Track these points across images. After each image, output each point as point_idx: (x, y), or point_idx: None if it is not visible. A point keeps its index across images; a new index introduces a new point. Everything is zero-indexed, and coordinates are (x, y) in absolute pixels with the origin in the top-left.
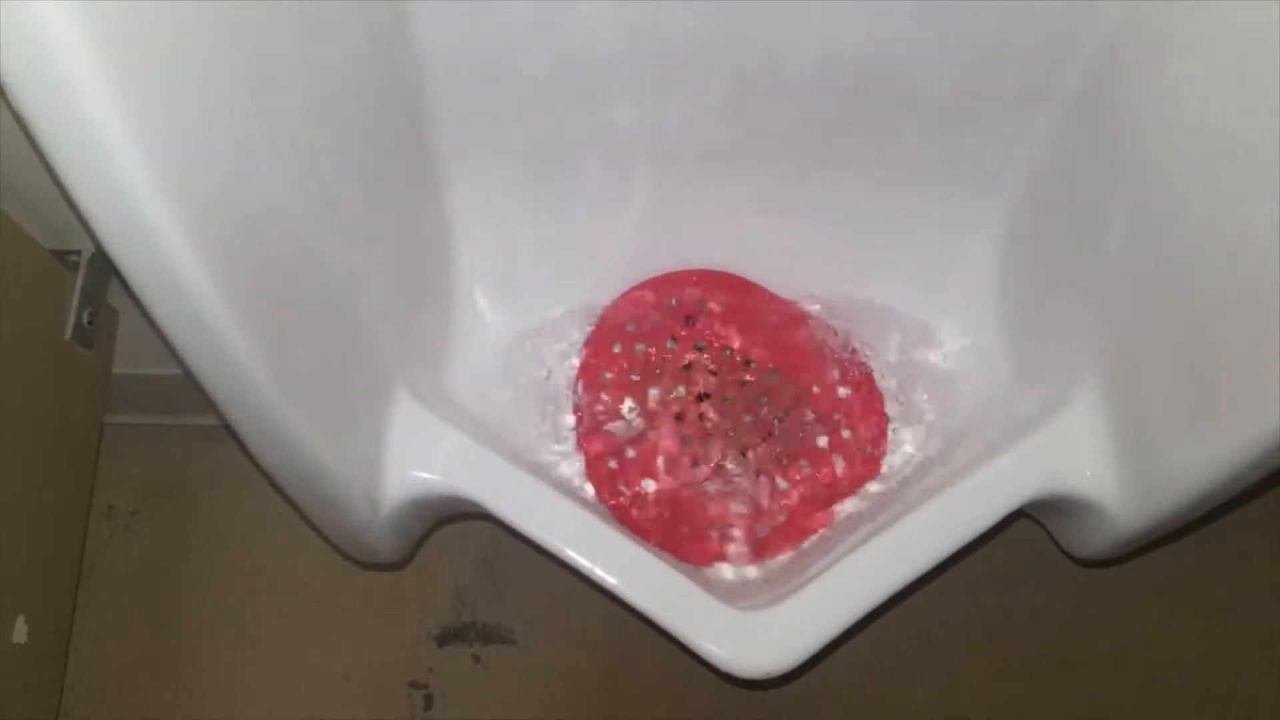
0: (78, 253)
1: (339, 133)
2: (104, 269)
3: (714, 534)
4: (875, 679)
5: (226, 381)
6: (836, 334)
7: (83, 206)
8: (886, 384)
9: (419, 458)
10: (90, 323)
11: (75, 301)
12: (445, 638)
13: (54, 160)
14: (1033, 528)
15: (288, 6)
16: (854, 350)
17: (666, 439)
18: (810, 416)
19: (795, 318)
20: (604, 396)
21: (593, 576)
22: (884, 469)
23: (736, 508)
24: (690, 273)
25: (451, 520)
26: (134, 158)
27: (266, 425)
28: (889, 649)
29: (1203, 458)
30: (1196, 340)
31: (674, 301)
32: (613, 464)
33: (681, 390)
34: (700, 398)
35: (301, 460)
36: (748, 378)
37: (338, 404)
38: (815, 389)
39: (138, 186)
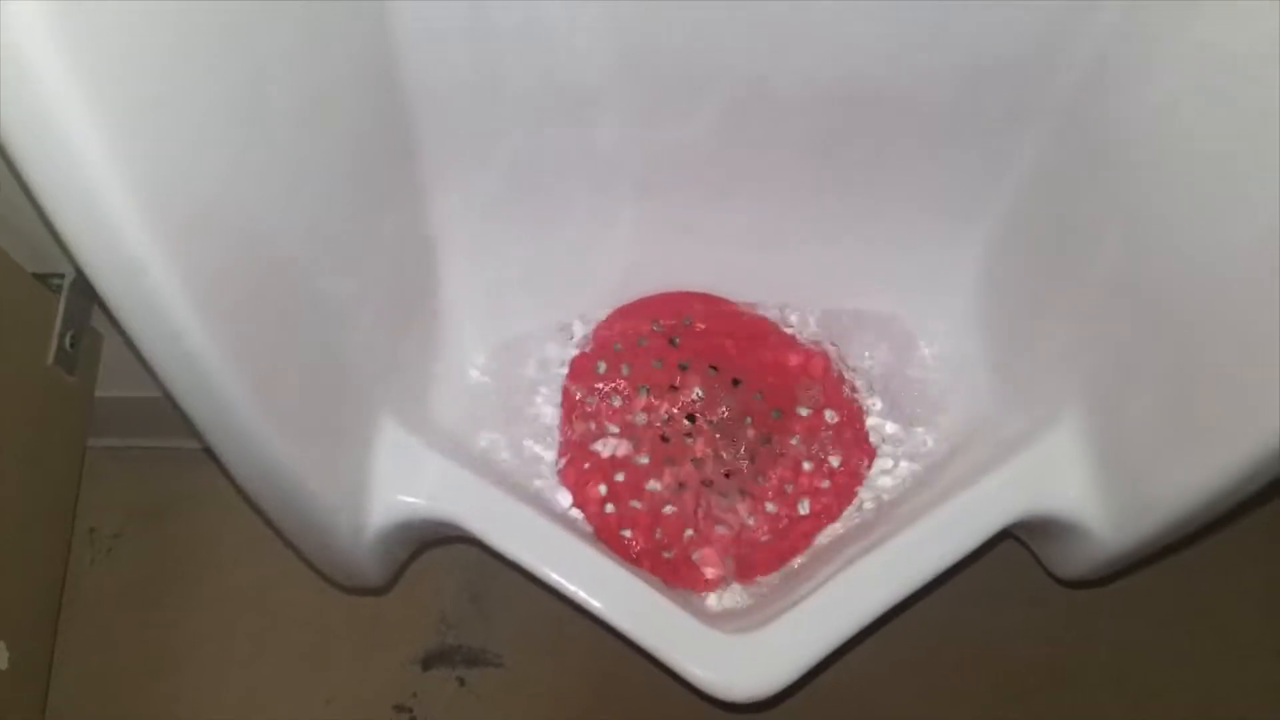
0: (60, 276)
1: (327, 157)
2: (87, 293)
3: (699, 556)
4: (865, 701)
5: (208, 406)
6: (822, 354)
7: (63, 231)
8: (873, 404)
9: (403, 482)
10: (73, 346)
11: (58, 325)
12: (430, 660)
13: (35, 187)
14: (1021, 547)
15: (275, 28)
16: (840, 371)
17: (652, 461)
18: (796, 438)
19: (781, 339)
20: (589, 419)
21: (577, 600)
22: (869, 490)
23: (722, 530)
24: (676, 294)
25: (436, 544)
26: (115, 184)
27: (250, 451)
28: (879, 670)
29: (1186, 480)
30: (1180, 362)
31: (660, 323)
32: (599, 487)
33: (667, 412)
34: (686, 419)
35: (285, 485)
36: (733, 399)
37: (322, 429)
38: (801, 410)
39: (120, 215)
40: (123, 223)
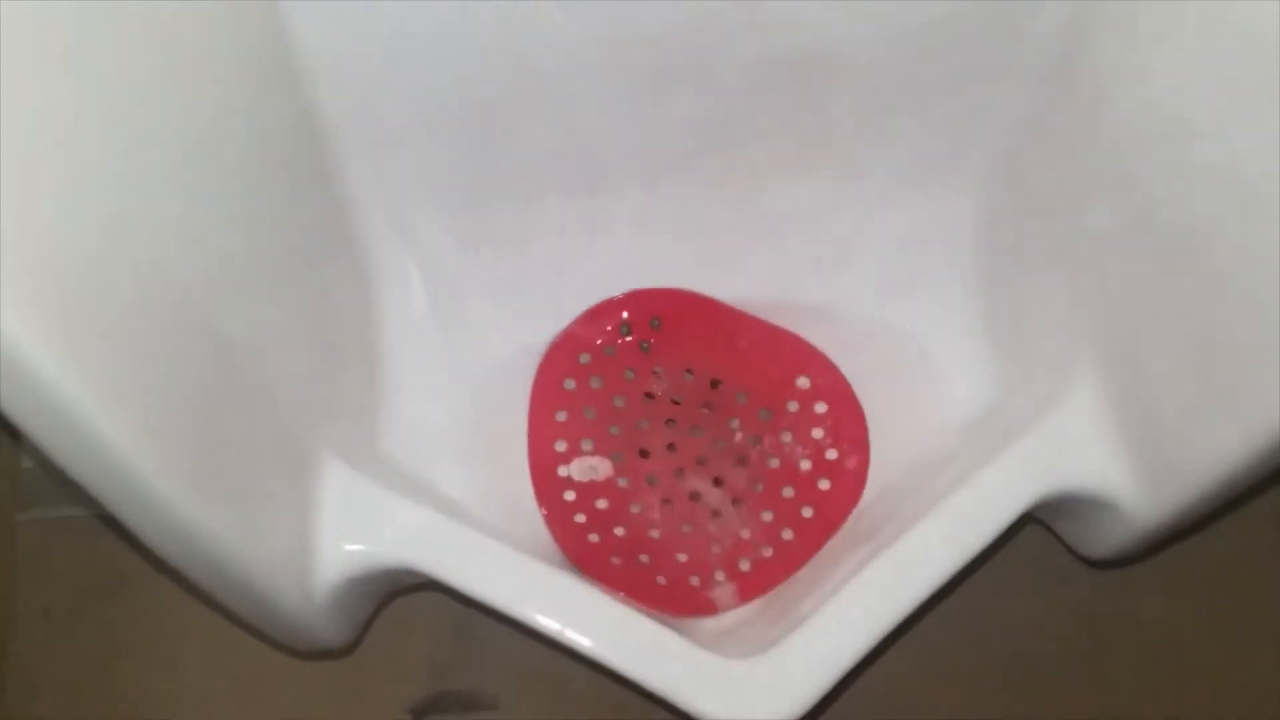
0: None
1: (227, 181)
2: None
3: (696, 579)
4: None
5: (104, 478)
6: (807, 345)
7: None
8: (867, 394)
9: (354, 529)
10: None
11: None
12: (423, 710)
13: None
14: (1037, 534)
15: (144, 47)
16: (829, 361)
17: (633, 479)
18: (788, 437)
19: (760, 331)
20: (560, 440)
21: (564, 641)
22: (873, 485)
23: (716, 546)
24: (641, 293)
25: (402, 594)
26: None
27: (158, 520)
28: (902, 688)
29: (1221, 440)
30: (1201, 312)
31: (627, 327)
32: (578, 515)
33: (645, 424)
34: (667, 425)
35: (208, 552)
36: (715, 401)
37: (249, 482)
38: (790, 406)
39: None
40: None
